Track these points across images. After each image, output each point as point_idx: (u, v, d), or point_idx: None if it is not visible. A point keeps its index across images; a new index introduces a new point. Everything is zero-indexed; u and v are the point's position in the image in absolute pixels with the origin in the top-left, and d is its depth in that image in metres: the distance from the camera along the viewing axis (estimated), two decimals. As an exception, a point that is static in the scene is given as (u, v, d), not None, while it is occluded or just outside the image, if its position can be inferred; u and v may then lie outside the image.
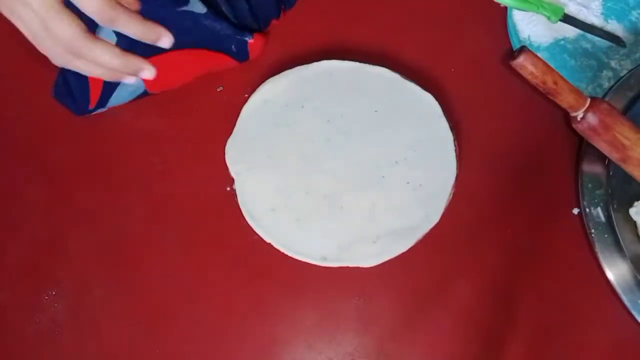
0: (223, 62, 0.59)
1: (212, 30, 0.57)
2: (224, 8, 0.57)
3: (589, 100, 0.51)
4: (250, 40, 0.58)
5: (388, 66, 0.58)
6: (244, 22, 0.59)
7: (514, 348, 0.54)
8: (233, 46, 0.58)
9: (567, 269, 0.56)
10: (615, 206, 0.55)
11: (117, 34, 0.53)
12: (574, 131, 0.54)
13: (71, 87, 0.57)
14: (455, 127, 0.56)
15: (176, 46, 0.55)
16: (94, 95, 0.57)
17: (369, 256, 0.53)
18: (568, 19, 0.63)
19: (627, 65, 0.62)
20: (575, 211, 0.57)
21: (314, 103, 0.57)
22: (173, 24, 0.54)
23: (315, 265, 0.52)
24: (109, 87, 0.57)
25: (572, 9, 0.64)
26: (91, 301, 0.55)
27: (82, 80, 0.56)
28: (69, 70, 0.52)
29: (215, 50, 0.58)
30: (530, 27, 0.63)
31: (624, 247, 0.54)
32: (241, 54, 0.60)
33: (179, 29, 0.54)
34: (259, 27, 0.61)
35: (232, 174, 0.55)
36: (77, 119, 0.59)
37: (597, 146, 0.53)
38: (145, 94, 0.59)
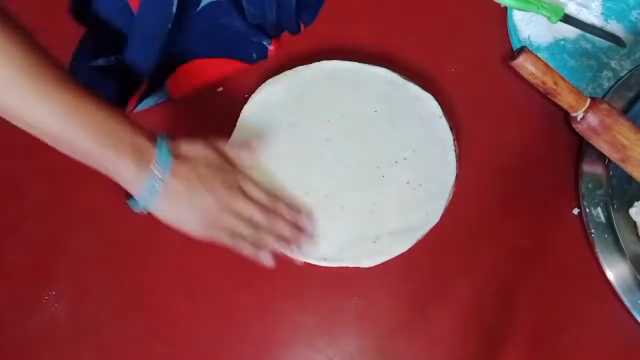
0: (240, 68, 0.61)
1: (234, 35, 0.59)
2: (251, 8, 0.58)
3: (589, 101, 0.51)
4: (270, 47, 0.60)
5: (388, 66, 0.58)
6: (265, 23, 0.60)
7: (514, 348, 0.54)
8: (254, 54, 0.60)
9: (567, 269, 0.56)
10: (615, 206, 0.55)
11: None
12: (574, 131, 0.54)
13: (109, 93, 0.57)
14: (455, 127, 0.56)
15: (201, 55, 0.58)
16: (133, 101, 0.58)
17: (369, 256, 0.53)
18: (568, 19, 0.63)
19: (627, 65, 0.62)
20: (576, 211, 0.57)
21: (314, 103, 0.57)
22: (197, 31, 0.55)
23: (315, 265, 0.52)
24: (146, 94, 0.58)
25: (572, 9, 0.64)
26: (91, 301, 0.55)
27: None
28: (106, 76, 0.55)
29: (235, 58, 0.60)
30: (530, 27, 0.63)
31: (624, 247, 0.54)
32: (259, 59, 0.61)
33: (204, 37, 0.55)
34: (275, 33, 0.62)
35: (232, 174, 0.55)
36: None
37: (597, 146, 0.53)
38: (168, 99, 0.60)
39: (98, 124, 0.42)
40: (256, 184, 0.49)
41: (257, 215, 0.48)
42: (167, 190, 0.44)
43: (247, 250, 0.48)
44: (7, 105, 0.40)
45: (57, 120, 0.40)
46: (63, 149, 0.43)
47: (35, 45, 0.40)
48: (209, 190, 0.45)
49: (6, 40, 0.38)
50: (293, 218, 0.50)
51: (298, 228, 0.50)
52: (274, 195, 0.50)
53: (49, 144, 0.43)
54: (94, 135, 0.42)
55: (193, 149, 0.46)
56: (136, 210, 0.46)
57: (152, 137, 0.44)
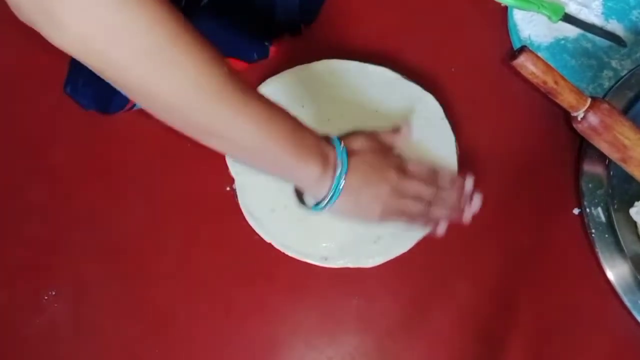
0: (241, 67, 0.61)
1: (235, 35, 0.59)
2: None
3: (589, 100, 0.51)
4: (271, 47, 0.60)
5: (389, 66, 0.58)
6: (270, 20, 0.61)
7: (514, 348, 0.54)
8: (255, 53, 0.60)
9: (567, 269, 0.56)
10: (615, 206, 0.55)
11: None
12: (575, 131, 0.54)
13: (109, 90, 0.57)
14: (455, 127, 0.56)
15: None
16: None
17: (370, 257, 0.53)
18: (568, 19, 0.63)
19: (628, 64, 0.62)
20: (576, 211, 0.57)
21: (314, 103, 0.57)
22: (199, 30, 0.55)
23: (316, 265, 0.52)
24: None
25: (573, 9, 0.64)
26: (91, 301, 0.55)
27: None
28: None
29: (236, 57, 0.60)
30: (531, 27, 0.63)
31: (624, 247, 0.54)
32: (259, 58, 0.61)
33: (205, 36, 0.55)
34: (276, 33, 0.62)
35: (232, 173, 0.55)
36: (77, 120, 0.59)
37: (597, 146, 0.53)
38: None
39: (289, 133, 0.42)
40: (414, 161, 0.50)
41: (425, 192, 0.49)
42: (347, 187, 0.45)
43: (421, 225, 0.50)
44: (206, 122, 0.39)
45: (248, 131, 0.40)
46: (246, 158, 0.44)
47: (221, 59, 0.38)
48: (383, 178, 0.47)
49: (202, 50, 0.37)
50: (454, 186, 0.51)
51: (461, 193, 0.51)
52: (433, 169, 0.51)
53: (232, 154, 0.43)
54: (285, 144, 0.42)
55: (358, 142, 0.47)
56: (315, 211, 0.47)
57: (329, 140, 0.46)
